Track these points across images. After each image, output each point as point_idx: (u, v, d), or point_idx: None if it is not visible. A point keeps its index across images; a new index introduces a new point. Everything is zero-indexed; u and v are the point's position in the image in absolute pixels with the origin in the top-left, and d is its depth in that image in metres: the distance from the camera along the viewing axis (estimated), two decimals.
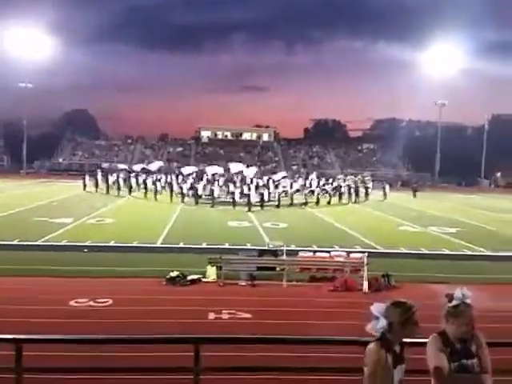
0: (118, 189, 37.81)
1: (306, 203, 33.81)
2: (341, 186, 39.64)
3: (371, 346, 3.42)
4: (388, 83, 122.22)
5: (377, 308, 3.45)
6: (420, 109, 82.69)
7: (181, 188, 35.63)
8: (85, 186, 39.65)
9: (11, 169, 65.90)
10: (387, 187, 42.06)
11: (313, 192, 37.28)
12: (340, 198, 37.35)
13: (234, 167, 43.61)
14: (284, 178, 44.04)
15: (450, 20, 72.34)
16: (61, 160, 68.65)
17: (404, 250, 17.98)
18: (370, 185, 42.66)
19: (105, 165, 57.68)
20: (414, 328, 3.41)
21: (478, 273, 14.72)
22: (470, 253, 18.29)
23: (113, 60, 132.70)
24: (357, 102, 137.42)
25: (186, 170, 44.81)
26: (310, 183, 41.93)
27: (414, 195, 42.95)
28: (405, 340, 3.53)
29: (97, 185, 39.86)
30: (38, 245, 17.03)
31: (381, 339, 3.41)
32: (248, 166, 47.32)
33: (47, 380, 5.98)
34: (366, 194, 39.92)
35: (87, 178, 40.61)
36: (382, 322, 3.39)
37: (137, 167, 46.82)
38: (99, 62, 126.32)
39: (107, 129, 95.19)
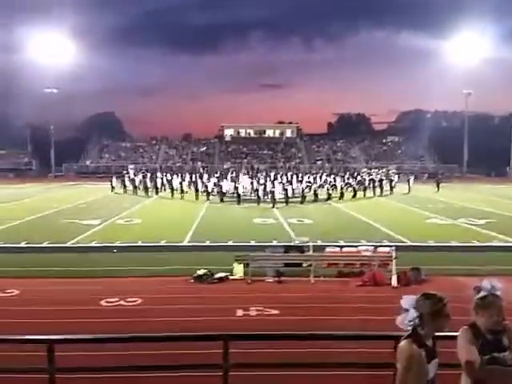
0: (146, 189, 38.30)
1: (329, 198, 33.65)
2: (365, 180, 39.48)
3: (403, 342, 3.36)
4: (412, 74, 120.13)
5: (406, 300, 3.40)
6: (445, 99, 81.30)
7: (206, 186, 35.92)
8: (112, 187, 40.22)
9: (40, 173, 67.29)
10: (411, 180, 41.53)
11: (336, 186, 37.16)
12: (364, 191, 37.17)
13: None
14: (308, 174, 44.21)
15: (474, 8, 70.73)
16: (88, 163, 69.77)
17: (432, 243, 17.71)
18: (394, 178, 42.08)
19: (131, 166, 58.37)
20: (444, 320, 3.34)
21: (509, 264, 14.39)
22: (500, 244, 17.91)
23: (135, 63, 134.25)
24: (381, 95, 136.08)
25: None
26: (334, 178, 41.72)
27: (438, 188, 41.20)
28: (436, 334, 3.46)
29: (124, 186, 40.42)
30: (68, 246, 17.35)
31: (412, 335, 3.36)
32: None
33: (80, 380, 6.08)
34: (391, 187, 39.50)
35: (114, 179, 41.21)
36: (412, 314, 3.34)
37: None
38: (122, 65, 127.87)
39: (132, 131, 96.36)
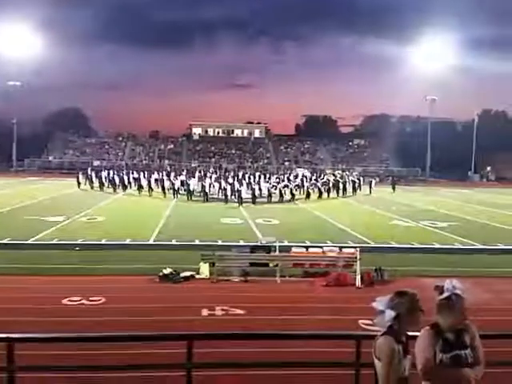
0: (113, 186, 37.81)
1: (293, 198, 33.98)
2: (329, 181, 40.22)
3: (381, 339, 3.44)
4: (378, 79, 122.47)
5: (381, 302, 3.48)
6: (410, 104, 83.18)
7: (173, 184, 35.71)
8: (79, 183, 39.45)
9: (0, 168, 65.43)
10: (373, 182, 43.39)
11: (299, 187, 37.70)
12: (328, 192, 37.79)
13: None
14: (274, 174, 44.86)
15: (440, 15, 73.06)
16: (51, 158, 68.20)
17: (396, 245, 18.07)
18: (357, 180, 43.31)
19: (96, 162, 57.42)
20: (419, 315, 3.46)
21: (470, 266, 14.81)
22: (462, 246, 18.41)
23: (103, 58, 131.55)
24: (347, 98, 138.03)
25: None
26: (302, 179, 42.21)
27: (394, 189, 43.19)
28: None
29: (91, 182, 39.76)
30: (30, 243, 16.93)
31: (389, 332, 3.44)
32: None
33: (40, 379, 5.96)
34: (354, 188, 40.78)
35: (80, 175, 40.43)
36: (390, 314, 3.42)
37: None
38: (89, 60, 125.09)
39: (98, 127, 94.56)
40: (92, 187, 39.05)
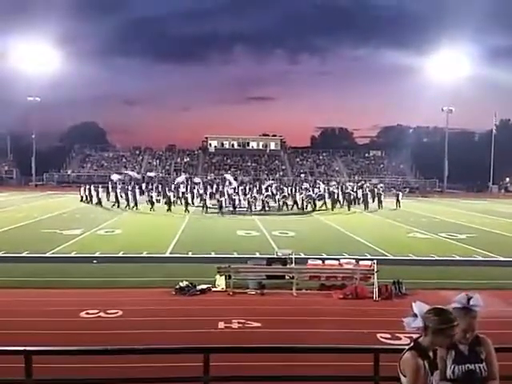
0: (127, 200, 37.70)
1: (314, 210, 33.91)
2: (350, 194, 39.17)
3: (407, 354, 3.39)
4: (394, 90, 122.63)
5: (419, 307, 3.43)
6: (427, 115, 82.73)
7: (186, 198, 35.73)
8: (90, 197, 38.65)
9: (20, 182, 66.48)
10: (400, 195, 39.63)
11: (312, 198, 37.20)
12: (349, 205, 36.83)
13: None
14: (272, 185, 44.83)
15: (456, 26, 72.43)
16: (69, 172, 69.09)
17: (414, 257, 17.86)
18: (382, 192, 40.02)
19: (113, 176, 57.85)
20: (446, 340, 3.38)
21: (490, 278, 14.56)
22: (481, 258, 18.13)
23: (120, 72, 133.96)
24: (363, 110, 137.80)
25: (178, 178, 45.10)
26: (320, 190, 41.76)
27: (398, 203, 38.03)
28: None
29: (108, 194, 39.56)
30: (48, 256, 17.11)
31: (415, 347, 3.40)
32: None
33: None
34: (380, 201, 37.68)
35: (92, 189, 39.27)
36: (418, 322, 3.37)
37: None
38: (106, 74, 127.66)
39: (115, 141, 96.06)
40: (108, 199, 38.78)
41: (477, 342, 3.55)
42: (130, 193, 36.50)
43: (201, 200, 35.59)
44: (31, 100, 66.27)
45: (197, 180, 45.35)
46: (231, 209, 33.25)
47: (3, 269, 15.05)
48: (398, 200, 38.22)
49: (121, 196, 36.40)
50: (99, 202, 37.17)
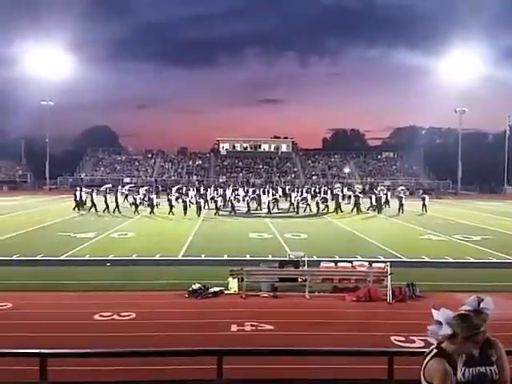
0: (151, 205, 37.53)
1: (327, 212, 33.80)
2: (358, 196, 38.27)
3: (433, 361, 3.32)
4: (407, 91, 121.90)
5: (442, 314, 3.35)
6: (440, 116, 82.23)
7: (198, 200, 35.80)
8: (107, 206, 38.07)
9: (34, 185, 67.18)
10: (427, 198, 36.74)
11: (326, 200, 36.94)
12: (381, 209, 35.17)
13: None
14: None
15: (468, 26, 71.96)
16: (83, 175, 69.68)
17: (427, 259, 17.73)
18: (403, 195, 36.89)
19: (126, 179, 58.25)
20: (473, 346, 3.34)
21: (505, 281, 14.40)
22: (496, 260, 17.94)
23: (131, 77, 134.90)
24: (375, 111, 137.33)
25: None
26: (333, 193, 41.55)
27: (424, 207, 35.55)
28: None
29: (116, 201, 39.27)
30: (62, 259, 17.25)
31: (440, 353, 3.33)
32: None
33: None
34: (401, 205, 34.54)
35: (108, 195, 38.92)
36: (446, 330, 3.30)
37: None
38: (118, 79, 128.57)
39: (128, 144, 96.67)
40: (117, 206, 37.98)
41: (488, 345, 3.51)
42: (140, 196, 36.35)
43: (213, 202, 35.65)
44: (45, 104, 67.04)
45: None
46: (244, 211, 33.26)
47: (18, 272, 15.22)
48: (424, 204, 35.59)
49: (133, 201, 36.20)
50: (117, 207, 36.25)
